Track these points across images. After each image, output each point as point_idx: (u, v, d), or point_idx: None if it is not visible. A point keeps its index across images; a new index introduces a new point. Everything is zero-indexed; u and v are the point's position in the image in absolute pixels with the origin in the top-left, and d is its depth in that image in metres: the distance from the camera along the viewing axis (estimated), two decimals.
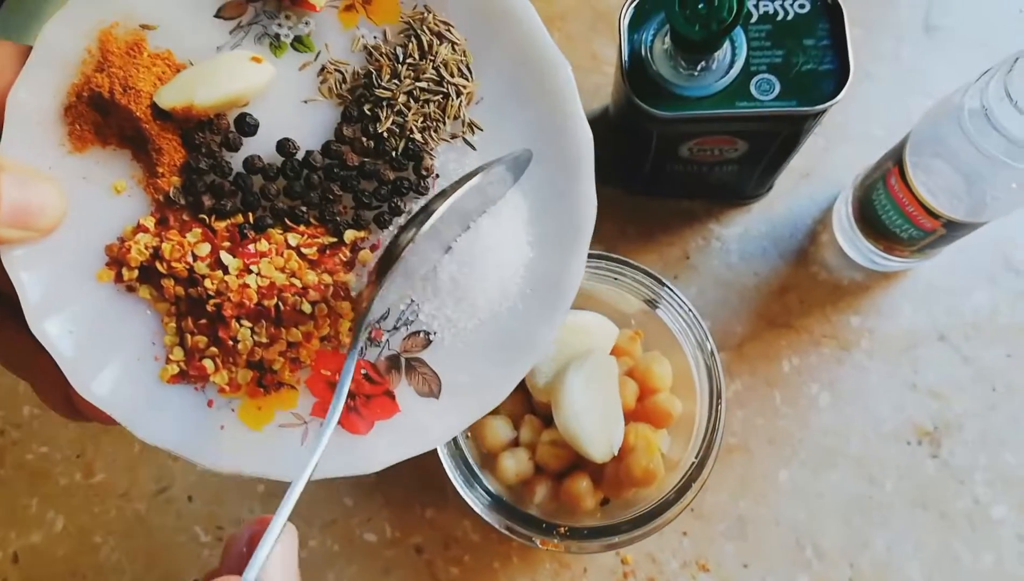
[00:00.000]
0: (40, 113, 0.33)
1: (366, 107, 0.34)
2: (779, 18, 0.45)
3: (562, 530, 0.40)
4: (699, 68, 0.44)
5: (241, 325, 0.33)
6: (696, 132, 0.46)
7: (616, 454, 0.42)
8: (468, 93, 0.34)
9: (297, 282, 0.34)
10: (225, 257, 0.34)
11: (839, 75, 0.44)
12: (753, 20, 0.45)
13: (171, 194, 0.34)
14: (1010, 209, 0.43)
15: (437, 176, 0.35)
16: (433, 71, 0.34)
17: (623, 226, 0.57)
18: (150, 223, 0.34)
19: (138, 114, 0.33)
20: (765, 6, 0.45)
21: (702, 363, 0.41)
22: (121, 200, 0.34)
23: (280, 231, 0.35)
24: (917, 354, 0.54)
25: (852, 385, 0.54)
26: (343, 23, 0.35)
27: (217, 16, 0.34)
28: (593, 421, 0.42)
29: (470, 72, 0.34)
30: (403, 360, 0.35)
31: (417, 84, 0.34)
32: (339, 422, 0.34)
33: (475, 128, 0.34)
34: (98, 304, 0.34)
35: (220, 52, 0.34)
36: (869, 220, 0.51)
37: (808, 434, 0.53)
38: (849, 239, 0.54)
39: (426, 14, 0.34)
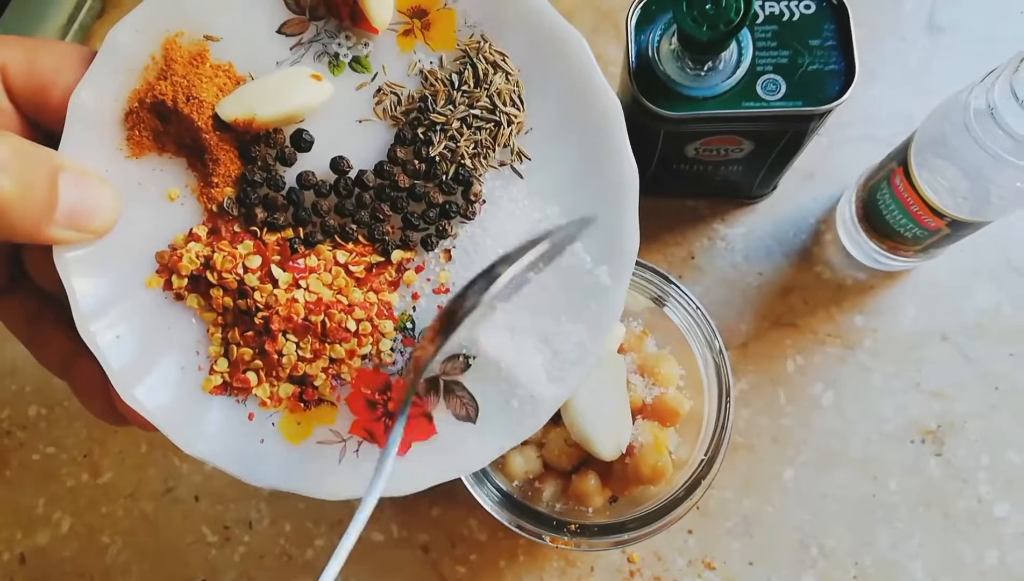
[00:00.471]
0: (101, 116, 0.33)
1: (420, 130, 0.35)
2: (785, 19, 0.45)
3: (572, 527, 0.40)
4: (706, 68, 0.44)
5: (287, 339, 0.34)
6: (702, 132, 0.47)
7: (624, 452, 0.43)
8: (519, 123, 0.35)
9: (343, 299, 0.34)
10: (275, 270, 0.34)
11: (845, 75, 0.44)
12: (759, 21, 0.45)
13: (224, 204, 0.34)
14: (1015, 208, 0.43)
15: (484, 201, 0.35)
16: (487, 99, 0.34)
17: None
18: (202, 232, 0.34)
19: (199, 124, 0.33)
20: (771, 7, 0.45)
21: (710, 361, 0.42)
22: (174, 208, 0.34)
23: (329, 247, 0.35)
24: (921, 354, 0.55)
25: (856, 384, 0.54)
26: (401, 47, 0.35)
27: (279, 32, 0.35)
28: (601, 419, 0.42)
29: (522, 102, 0.35)
30: (442, 383, 0.35)
31: (471, 111, 0.35)
32: (376, 440, 0.34)
33: (523, 157, 0.35)
34: (146, 311, 0.34)
35: (280, 67, 0.35)
36: (873, 220, 0.51)
37: (812, 433, 0.54)
38: (853, 239, 0.54)
39: (483, 43, 0.34)
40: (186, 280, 0.34)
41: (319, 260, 0.35)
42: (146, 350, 0.33)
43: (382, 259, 0.35)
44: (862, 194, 0.52)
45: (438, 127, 0.35)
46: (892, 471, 0.53)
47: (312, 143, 0.35)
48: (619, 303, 0.34)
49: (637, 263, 0.43)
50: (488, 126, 0.35)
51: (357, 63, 0.35)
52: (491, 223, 0.35)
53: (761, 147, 0.48)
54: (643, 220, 0.57)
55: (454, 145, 0.35)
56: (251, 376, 0.34)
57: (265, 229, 0.35)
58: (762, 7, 0.45)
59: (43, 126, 0.33)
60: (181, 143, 0.34)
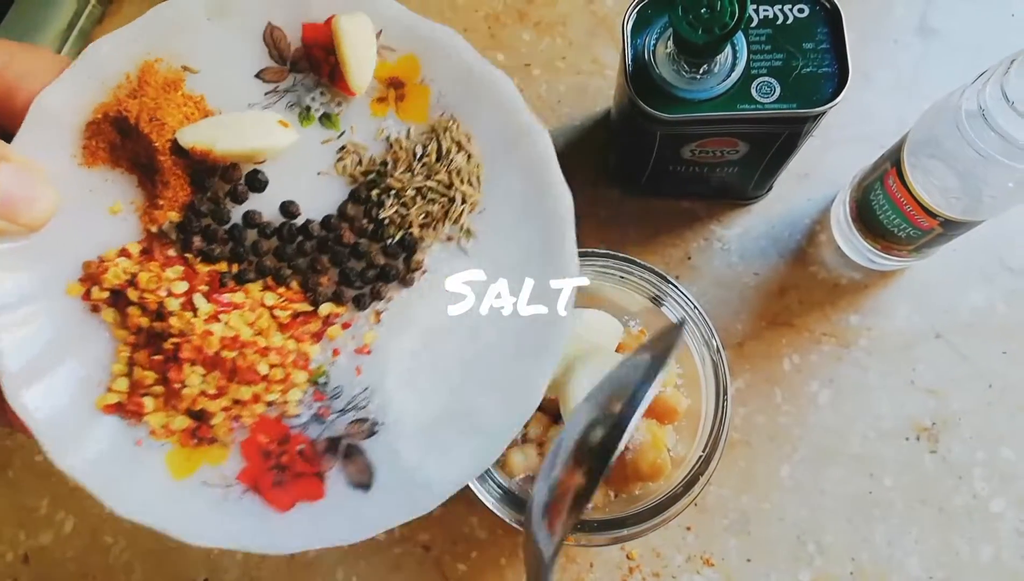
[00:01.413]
0: (61, 121, 0.33)
1: (374, 192, 0.36)
2: (779, 22, 0.46)
3: None
4: (701, 71, 0.45)
5: (193, 370, 0.33)
6: (698, 134, 0.47)
7: (623, 450, 0.43)
8: (472, 202, 0.35)
9: (261, 341, 0.34)
10: (198, 300, 0.33)
11: (838, 78, 0.45)
12: (754, 24, 0.46)
13: (164, 227, 0.34)
14: (1007, 207, 0.44)
15: (425, 271, 0.36)
16: (445, 174, 0.35)
17: (625, 228, 0.58)
18: (135, 250, 0.34)
19: (157, 145, 0.33)
20: (765, 11, 0.46)
21: (708, 359, 0.42)
22: (114, 222, 0.34)
23: (260, 288, 0.35)
24: (915, 352, 0.55)
25: (852, 383, 0.55)
26: (373, 111, 0.36)
27: (257, 76, 0.35)
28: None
29: (479, 183, 0.36)
30: (343, 445, 0.34)
31: (427, 182, 0.35)
32: (261, 491, 0.33)
33: (470, 234, 0.36)
34: (59, 316, 0.33)
35: (250, 109, 0.35)
36: (867, 220, 0.52)
37: (809, 431, 0.54)
38: (847, 239, 0.55)
39: (452, 123, 0.35)
40: (107, 293, 0.33)
41: (246, 298, 0.34)
42: (48, 355, 0.33)
43: (310, 309, 0.35)
44: (856, 194, 0.53)
45: (393, 192, 0.35)
46: (888, 468, 0.54)
47: (266, 185, 0.35)
48: (539, 390, 0.34)
49: (635, 263, 0.43)
50: (442, 200, 0.35)
51: (327, 119, 0.36)
52: (428, 293, 0.36)
53: (756, 149, 0.49)
54: (640, 221, 0.58)
55: (405, 212, 0.35)
56: (148, 401, 0.33)
57: (199, 258, 0.34)
58: (756, 11, 0.46)
59: (6, 128, 0.33)
60: (136, 161, 0.34)
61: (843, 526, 0.53)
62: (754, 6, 0.46)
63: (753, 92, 0.45)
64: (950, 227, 0.47)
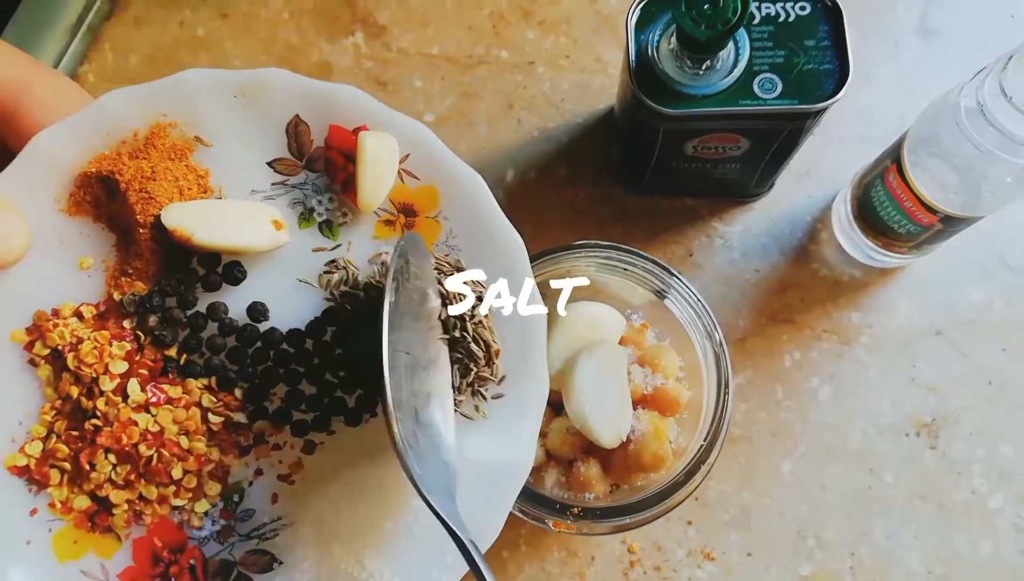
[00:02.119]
0: (54, 163, 0.32)
1: (351, 318, 0.33)
2: (781, 20, 0.46)
3: (575, 511, 0.41)
4: (704, 67, 0.45)
5: (107, 457, 0.31)
6: (701, 129, 0.48)
7: (625, 441, 0.43)
8: (481, 377, 0.34)
9: (184, 442, 0.32)
10: (132, 386, 0.32)
11: (839, 75, 0.45)
12: (756, 22, 0.46)
13: (126, 299, 0.33)
14: (1005, 203, 0.44)
15: (375, 415, 0.34)
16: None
17: (629, 225, 0.58)
18: (90, 313, 0.33)
19: (139, 217, 0.32)
20: (767, 8, 0.47)
21: (710, 351, 0.43)
22: (79, 277, 0.33)
23: (201, 386, 0.33)
24: (915, 349, 0.56)
25: (852, 379, 0.55)
26: (376, 232, 0.34)
27: (270, 164, 0.34)
28: (603, 408, 0.43)
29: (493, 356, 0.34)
30: (235, 573, 0.33)
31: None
32: None
33: (452, 406, 0.33)
34: None
35: (253, 196, 0.34)
36: (868, 217, 0.52)
37: (809, 427, 0.55)
38: (848, 236, 0.56)
39: (452, 270, 0.34)
40: (48, 351, 0.32)
41: (183, 393, 0.32)
42: None
43: (245, 422, 0.33)
44: (857, 192, 0.53)
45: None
46: (888, 464, 0.54)
47: (242, 280, 0.33)
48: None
49: (638, 255, 0.44)
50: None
51: (327, 227, 0.34)
52: (373, 440, 0.33)
53: (758, 145, 0.49)
54: (643, 219, 0.58)
55: None
56: (55, 473, 0.31)
57: (149, 339, 0.33)
58: (759, 8, 0.46)
59: (9, 148, 0.32)
60: (116, 222, 0.33)
61: (843, 521, 0.53)
62: (756, 4, 0.46)
63: (755, 88, 0.46)
64: (950, 223, 0.47)
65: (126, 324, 0.33)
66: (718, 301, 0.57)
